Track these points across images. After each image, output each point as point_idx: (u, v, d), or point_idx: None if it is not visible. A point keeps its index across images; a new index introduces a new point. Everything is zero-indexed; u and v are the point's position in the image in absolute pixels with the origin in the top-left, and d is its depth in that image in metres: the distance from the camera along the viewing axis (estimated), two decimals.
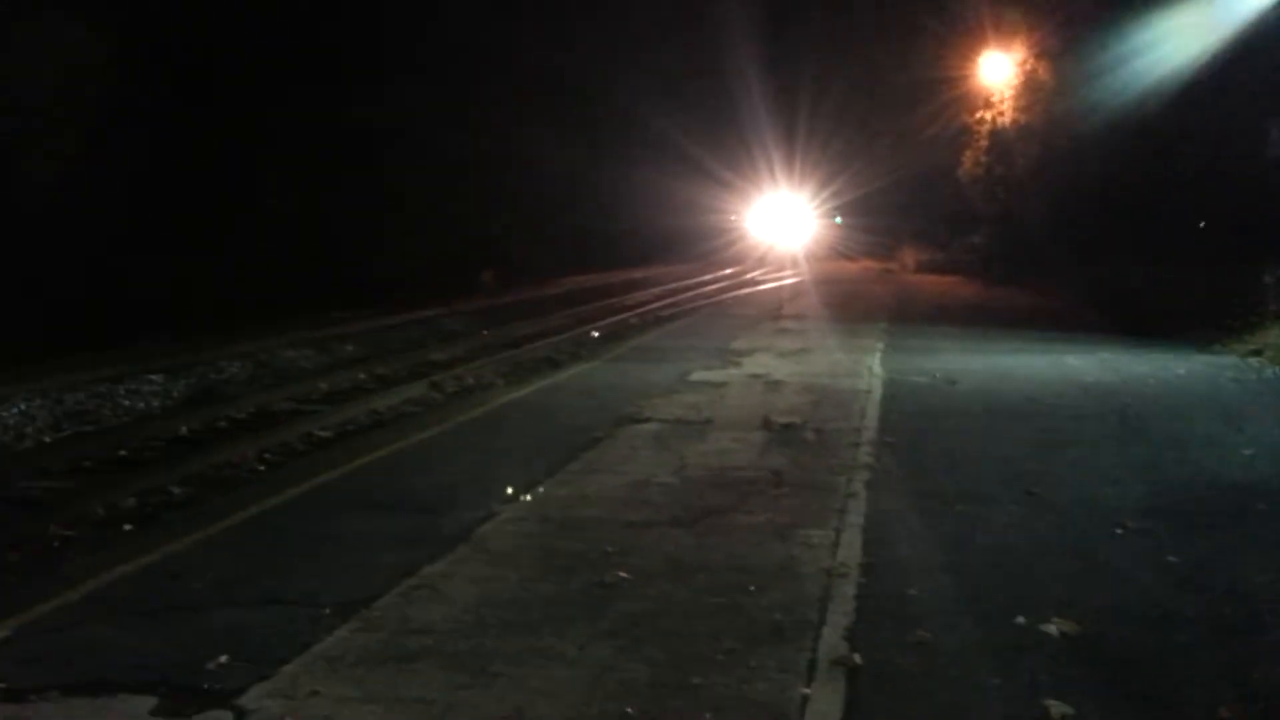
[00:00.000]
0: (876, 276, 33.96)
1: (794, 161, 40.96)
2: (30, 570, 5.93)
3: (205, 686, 3.76)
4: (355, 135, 23.59)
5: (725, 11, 40.48)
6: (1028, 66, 27.69)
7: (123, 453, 9.13)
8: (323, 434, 9.67)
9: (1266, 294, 13.09)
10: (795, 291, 25.87)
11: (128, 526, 6.78)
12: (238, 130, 20.63)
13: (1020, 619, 4.32)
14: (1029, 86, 27.77)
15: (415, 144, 25.74)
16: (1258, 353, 12.20)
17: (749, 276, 33.30)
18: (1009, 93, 29.70)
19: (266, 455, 8.83)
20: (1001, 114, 30.24)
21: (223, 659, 3.97)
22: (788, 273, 33.53)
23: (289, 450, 9.09)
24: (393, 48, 25.39)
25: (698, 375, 11.29)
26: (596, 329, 17.98)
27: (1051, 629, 4.21)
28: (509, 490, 6.41)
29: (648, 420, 8.68)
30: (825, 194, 43.07)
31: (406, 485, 6.72)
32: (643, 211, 39.21)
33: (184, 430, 9.96)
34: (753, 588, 4.71)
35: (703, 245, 39.63)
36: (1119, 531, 5.55)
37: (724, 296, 25.83)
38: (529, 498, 6.29)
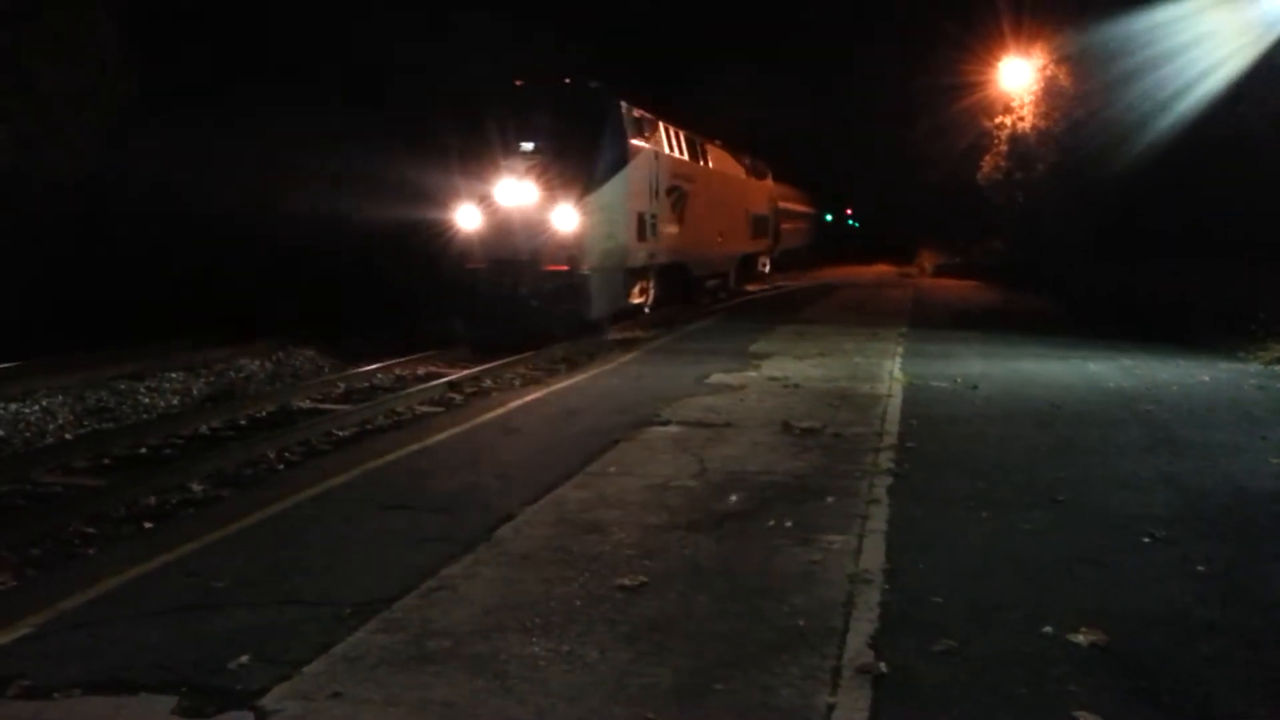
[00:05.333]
0: (895, 280, 33.86)
1: None
2: (52, 567, 5.98)
3: (226, 687, 3.75)
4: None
5: None
6: (1048, 72, 27.54)
7: (143, 450, 9.17)
8: (342, 433, 9.69)
9: None
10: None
11: (148, 524, 6.80)
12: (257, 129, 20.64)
13: (1047, 628, 4.27)
14: (1049, 91, 27.61)
15: None
16: None
17: None
18: (1029, 98, 29.55)
19: (286, 454, 8.85)
20: (1021, 119, 30.09)
21: (244, 659, 3.96)
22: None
23: (309, 449, 9.11)
24: None
25: (716, 378, 11.25)
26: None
27: (1079, 639, 4.16)
28: (527, 492, 6.39)
29: (667, 423, 8.65)
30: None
31: (425, 486, 6.70)
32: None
33: (204, 429, 9.99)
34: (775, 593, 4.67)
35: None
36: (1145, 540, 5.48)
37: None
38: (548, 499, 6.27)
